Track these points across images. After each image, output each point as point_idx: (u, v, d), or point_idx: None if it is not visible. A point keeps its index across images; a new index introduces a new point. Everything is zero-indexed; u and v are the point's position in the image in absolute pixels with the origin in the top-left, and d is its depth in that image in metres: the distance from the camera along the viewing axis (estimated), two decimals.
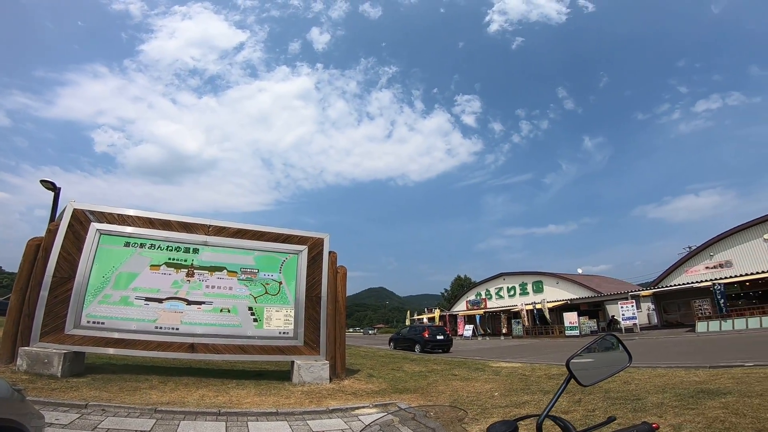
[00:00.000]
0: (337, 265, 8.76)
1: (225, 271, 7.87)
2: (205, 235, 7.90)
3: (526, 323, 32.07)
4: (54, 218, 8.17)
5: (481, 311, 39.37)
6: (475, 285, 47.71)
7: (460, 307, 45.65)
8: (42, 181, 10.53)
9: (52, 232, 6.98)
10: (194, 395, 6.01)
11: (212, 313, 7.54)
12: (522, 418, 1.07)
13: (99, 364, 7.78)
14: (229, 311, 7.66)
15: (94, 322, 6.86)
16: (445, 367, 10.95)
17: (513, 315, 34.63)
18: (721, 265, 25.38)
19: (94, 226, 7.21)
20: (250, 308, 7.81)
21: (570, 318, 27.99)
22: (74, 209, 7.19)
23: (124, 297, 7.14)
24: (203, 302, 7.55)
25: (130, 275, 7.28)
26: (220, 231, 8.04)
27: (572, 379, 1.10)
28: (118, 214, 7.50)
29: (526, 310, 32.16)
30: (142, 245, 7.46)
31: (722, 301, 21.27)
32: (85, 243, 7.06)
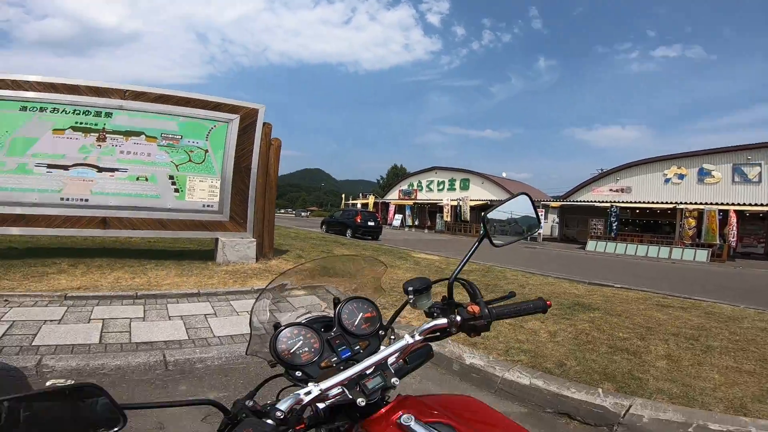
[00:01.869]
0: (271, 138, 8.15)
1: (143, 136, 6.92)
2: (121, 99, 6.81)
3: (449, 219, 34.66)
4: None
5: (411, 202, 41.38)
6: (409, 175, 49.10)
7: (393, 196, 47.44)
8: None
9: None
10: (108, 278, 5.72)
11: (127, 181, 6.81)
12: (437, 281, 1.14)
13: None
14: (146, 179, 6.95)
15: None
16: (372, 253, 11.56)
17: (438, 209, 36.99)
18: (622, 190, 28.38)
19: None
20: (171, 177, 7.12)
21: (482, 217, 30.47)
22: None
23: (21, 164, 6.20)
24: (117, 169, 6.73)
25: (28, 140, 6.26)
26: (138, 96, 6.96)
27: (485, 239, 1.16)
28: (13, 80, 6.21)
29: (451, 206, 34.44)
30: (42, 109, 6.33)
31: (615, 223, 24.28)
32: None
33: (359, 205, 43.88)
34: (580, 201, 29.54)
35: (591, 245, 24.11)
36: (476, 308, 1.01)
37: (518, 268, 10.14)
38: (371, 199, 45.29)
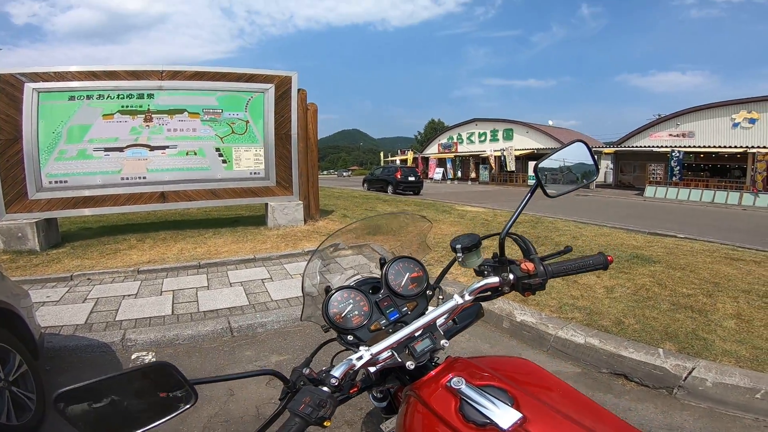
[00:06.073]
0: (307, 103, 8.30)
1: (186, 113, 7.26)
2: (159, 80, 7.10)
3: (494, 169, 33.61)
4: None
5: (452, 155, 40.38)
6: (448, 129, 47.43)
7: (433, 150, 46.37)
8: None
9: None
10: (173, 250, 6.16)
11: (178, 157, 7.25)
12: (486, 237, 1.10)
13: (74, 231, 7.76)
14: (195, 153, 7.36)
15: (56, 182, 6.59)
16: (415, 208, 11.57)
17: (481, 160, 35.90)
18: (684, 135, 26.07)
19: (29, 86, 6.38)
20: (218, 149, 7.52)
21: (534, 166, 29.30)
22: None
23: (81, 150, 6.70)
24: (167, 146, 7.16)
25: (83, 127, 6.71)
26: (175, 75, 7.22)
27: (538, 189, 1.10)
28: (56, 72, 6.56)
29: (494, 157, 33.28)
30: (89, 97, 6.72)
31: (678, 168, 22.51)
32: (23, 104, 6.33)
33: (398, 162, 43.40)
34: (636, 146, 27.54)
35: (650, 191, 22.59)
36: (530, 265, 0.96)
37: (570, 218, 9.68)
38: (410, 155, 44.67)
